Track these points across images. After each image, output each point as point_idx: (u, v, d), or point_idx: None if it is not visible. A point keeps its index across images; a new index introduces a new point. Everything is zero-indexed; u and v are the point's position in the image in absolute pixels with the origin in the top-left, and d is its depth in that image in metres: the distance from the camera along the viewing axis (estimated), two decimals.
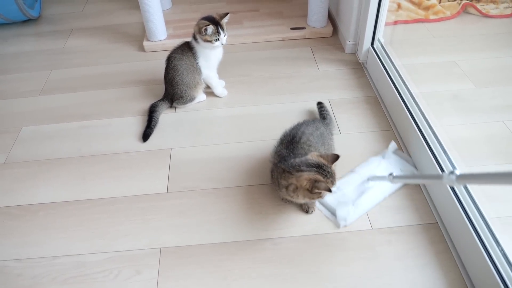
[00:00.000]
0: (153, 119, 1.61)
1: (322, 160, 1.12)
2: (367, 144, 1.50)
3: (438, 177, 0.94)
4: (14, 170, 1.50)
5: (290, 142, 1.25)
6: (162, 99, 1.68)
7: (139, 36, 2.19)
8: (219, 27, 1.54)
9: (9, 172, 1.50)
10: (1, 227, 1.32)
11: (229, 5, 2.30)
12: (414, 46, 2.00)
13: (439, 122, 1.48)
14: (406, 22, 2.15)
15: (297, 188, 1.11)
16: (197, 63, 1.60)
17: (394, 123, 1.57)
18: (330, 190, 1.06)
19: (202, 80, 1.66)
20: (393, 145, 1.44)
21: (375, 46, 1.78)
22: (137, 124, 1.65)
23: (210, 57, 1.62)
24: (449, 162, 1.27)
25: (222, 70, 1.73)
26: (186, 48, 1.60)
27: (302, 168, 1.10)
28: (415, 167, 1.39)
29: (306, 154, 1.18)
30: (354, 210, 1.27)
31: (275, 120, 1.62)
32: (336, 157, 1.13)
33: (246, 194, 1.36)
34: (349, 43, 1.91)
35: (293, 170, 1.12)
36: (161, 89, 1.72)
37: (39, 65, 2.03)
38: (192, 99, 1.68)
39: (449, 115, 1.60)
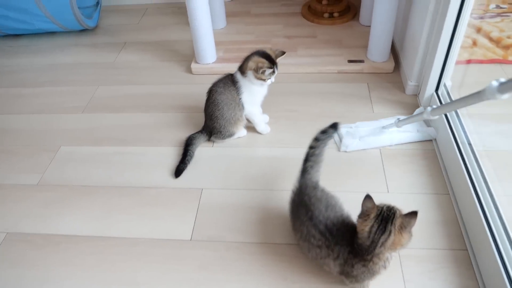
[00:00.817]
0: (188, 153, 1.52)
1: (377, 207, 0.97)
2: (419, 209, 1.31)
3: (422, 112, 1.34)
4: (45, 194, 1.49)
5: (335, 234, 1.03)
6: (200, 131, 1.60)
7: (189, 56, 2.12)
8: (274, 66, 1.44)
9: (40, 196, 1.48)
10: (24, 257, 1.30)
11: (286, 28, 2.18)
12: None
13: (504, 192, 1.27)
14: (480, 62, 1.91)
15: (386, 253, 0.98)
16: (240, 98, 1.50)
17: (452, 186, 1.37)
18: (416, 213, 0.92)
19: (243, 116, 1.55)
20: (420, 109, 1.62)
21: (439, 92, 1.58)
22: (173, 155, 1.58)
23: (255, 93, 1.51)
24: (508, 240, 1.08)
25: (268, 102, 1.61)
26: (229, 82, 1.50)
27: (383, 239, 0.94)
28: (436, 132, 1.55)
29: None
30: (358, 143, 1.53)
31: None
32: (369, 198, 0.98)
33: (273, 253, 1.24)
34: (410, 84, 1.72)
35: (375, 251, 0.96)
36: (202, 118, 1.63)
37: (89, 79, 2.03)
38: (231, 135, 1.58)
39: None
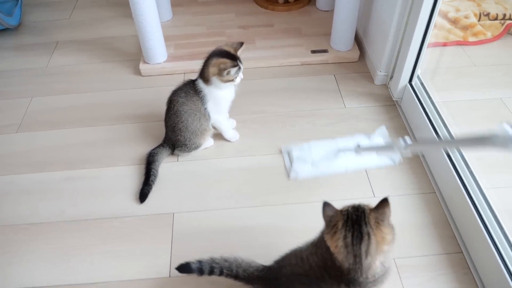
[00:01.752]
0: (151, 173, 1.35)
1: (342, 212, 0.83)
2: (407, 212, 1.26)
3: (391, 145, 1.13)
4: None
5: None
6: (162, 145, 1.42)
7: (134, 54, 1.89)
8: (238, 61, 1.27)
9: None
10: None
11: (239, 17, 2.00)
12: (453, 76, 1.73)
13: (490, 184, 1.24)
14: (443, 44, 1.87)
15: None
16: (205, 108, 1.33)
17: (437, 184, 1.32)
18: (387, 200, 0.80)
19: (210, 126, 1.39)
20: (382, 129, 1.48)
21: (413, 83, 1.51)
22: (132, 176, 1.39)
23: (222, 100, 1.35)
24: (504, 237, 1.05)
25: (233, 104, 1.43)
26: (191, 91, 1.32)
27: (365, 247, 0.78)
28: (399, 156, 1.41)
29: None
30: (310, 169, 1.37)
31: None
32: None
33: None
34: (380, 74, 1.64)
35: (363, 266, 0.79)
36: (160, 127, 1.45)
37: (19, 90, 1.75)
38: (197, 147, 1.42)
39: (502, 173, 1.35)
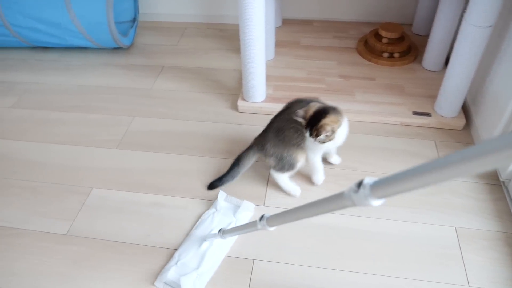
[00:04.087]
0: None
1: None
2: None
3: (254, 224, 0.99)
4: (75, 248, 1.31)
5: None
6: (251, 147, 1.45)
7: (234, 89, 1.94)
8: None
9: (69, 250, 1.31)
10: None
11: (340, 66, 1.99)
12: None
13: None
14: None
15: None
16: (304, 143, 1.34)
17: None
18: None
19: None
20: (221, 193, 1.42)
21: None
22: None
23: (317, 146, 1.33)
24: None
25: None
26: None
27: None
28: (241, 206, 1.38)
29: None
30: (200, 279, 1.18)
31: (383, 246, 1.29)
32: None
33: None
34: None
35: None
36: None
37: (123, 107, 1.85)
38: (291, 167, 1.38)
39: None
